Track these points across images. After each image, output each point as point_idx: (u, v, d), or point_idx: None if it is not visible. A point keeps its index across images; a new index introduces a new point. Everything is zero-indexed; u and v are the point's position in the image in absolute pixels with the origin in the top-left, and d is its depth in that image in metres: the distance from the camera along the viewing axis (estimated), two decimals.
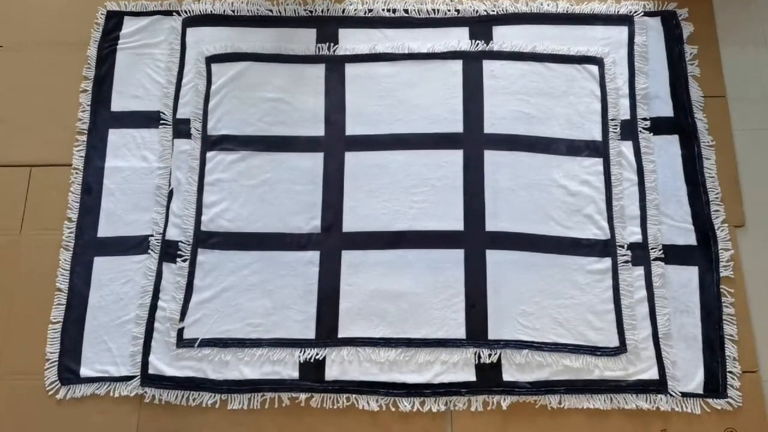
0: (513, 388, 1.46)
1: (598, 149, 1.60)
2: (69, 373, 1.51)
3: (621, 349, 1.47)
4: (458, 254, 1.54)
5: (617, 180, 1.58)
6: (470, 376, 1.47)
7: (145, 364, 1.50)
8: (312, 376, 1.48)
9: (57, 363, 1.52)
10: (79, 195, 1.62)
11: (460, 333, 1.49)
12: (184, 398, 1.48)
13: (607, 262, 1.53)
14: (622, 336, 1.48)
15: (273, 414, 1.47)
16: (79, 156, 1.65)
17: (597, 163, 1.59)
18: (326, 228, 1.57)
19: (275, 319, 1.52)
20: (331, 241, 1.56)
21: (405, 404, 1.46)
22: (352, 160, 1.61)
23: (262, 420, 1.47)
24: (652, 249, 1.54)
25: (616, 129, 1.62)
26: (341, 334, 1.50)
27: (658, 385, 1.45)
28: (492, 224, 1.55)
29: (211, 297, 1.53)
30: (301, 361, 1.48)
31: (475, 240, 1.54)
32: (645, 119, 1.63)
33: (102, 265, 1.57)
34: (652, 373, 1.46)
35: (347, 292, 1.52)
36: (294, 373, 1.48)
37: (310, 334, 1.51)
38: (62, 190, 1.63)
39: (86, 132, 1.67)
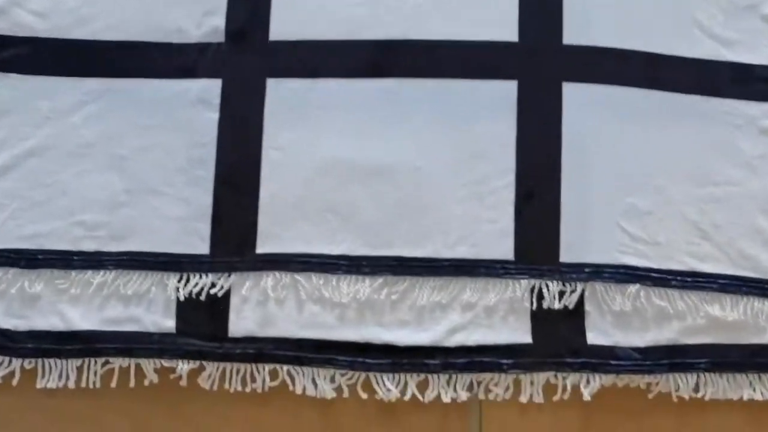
0: (606, 359, 0.73)
1: None
2: None
3: None
4: (505, 90, 0.76)
5: None
6: (521, 334, 0.74)
7: None
8: (203, 328, 0.74)
9: None
10: None
11: (504, 249, 0.74)
12: None
13: None
14: None
15: (124, 398, 0.75)
16: None
17: None
18: (235, 33, 0.78)
19: (131, 213, 0.76)
20: (246, 58, 0.77)
21: (388, 386, 0.73)
22: None
23: (103, 409, 0.75)
24: None
25: None
26: (262, 248, 0.75)
27: None
28: (574, 32, 0.77)
29: (5, 167, 0.77)
30: (182, 299, 0.74)
31: (540, 62, 0.76)
32: None
33: None
34: None
35: (276, 164, 0.76)
36: (167, 322, 0.75)
37: (200, 246, 0.75)
38: None
39: None
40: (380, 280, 0.74)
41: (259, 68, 0.77)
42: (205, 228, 0.75)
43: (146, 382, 0.74)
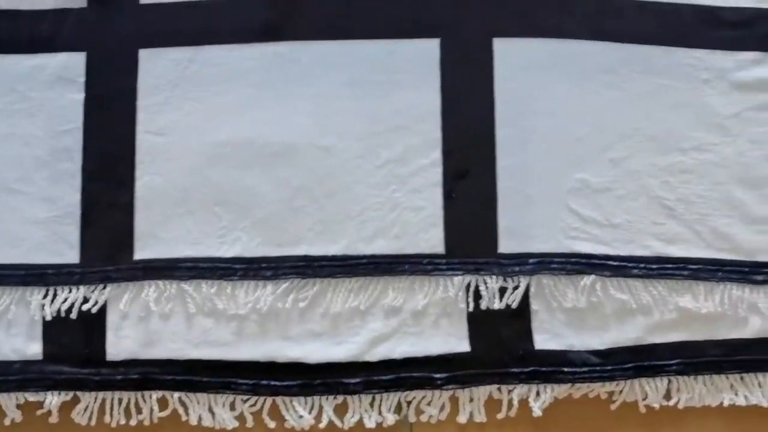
0: (558, 367, 0.62)
1: None
2: None
3: None
4: (426, 50, 0.64)
5: None
6: (457, 341, 0.63)
7: None
8: (76, 352, 0.62)
9: None
10: None
11: (432, 240, 0.63)
12: None
13: None
14: None
15: None
16: None
17: None
18: None
19: None
20: (114, 25, 0.65)
21: (299, 411, 0.61)
22: None
23: None
24: None
25: None
26: (141, 253, 0.63)
27: None
28: None
29: None
30: (49, 318, 0.62)
31: (463, 14, 0.65)
32: None
33: None
34: None
35: (154, 151, 0.64)
36: (32, 347, 0.63)
37: (69, 253, 0.63)
38: None
39: None
40: (285, 284, 0.62)
41: (130, 37, 0.65)
42: (73, 232, 0.63)
43: (7, 422, 0.62)
